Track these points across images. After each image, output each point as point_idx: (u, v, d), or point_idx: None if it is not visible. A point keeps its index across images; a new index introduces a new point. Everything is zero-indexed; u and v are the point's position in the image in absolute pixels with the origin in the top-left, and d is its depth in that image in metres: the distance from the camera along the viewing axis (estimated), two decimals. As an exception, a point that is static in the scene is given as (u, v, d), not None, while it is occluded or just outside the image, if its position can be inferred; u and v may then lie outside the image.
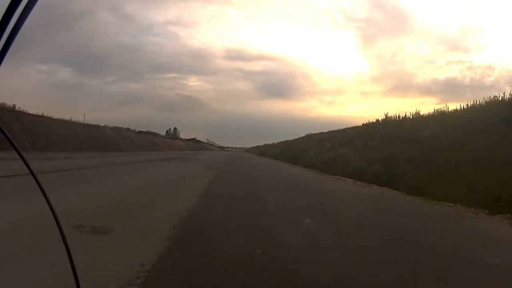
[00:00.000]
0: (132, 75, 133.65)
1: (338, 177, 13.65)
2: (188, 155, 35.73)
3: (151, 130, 68.26)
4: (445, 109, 16.53)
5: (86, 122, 36.39)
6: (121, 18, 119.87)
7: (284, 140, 53.63)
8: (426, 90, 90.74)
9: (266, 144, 69.85)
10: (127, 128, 54.15)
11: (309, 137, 40.79)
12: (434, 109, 17.49)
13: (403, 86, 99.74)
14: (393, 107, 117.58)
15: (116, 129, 40.38)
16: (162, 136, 66.69)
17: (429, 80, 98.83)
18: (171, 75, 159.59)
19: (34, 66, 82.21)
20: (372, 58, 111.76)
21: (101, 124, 45.49)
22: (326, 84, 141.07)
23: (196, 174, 12.63)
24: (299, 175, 15.20)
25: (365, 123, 23.76)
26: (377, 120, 21.58)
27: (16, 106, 26.95)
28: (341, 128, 29.38)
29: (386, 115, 20.59)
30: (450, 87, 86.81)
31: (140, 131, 60.48)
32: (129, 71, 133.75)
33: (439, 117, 15.98)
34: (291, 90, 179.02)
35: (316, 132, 41.16)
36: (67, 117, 33.70)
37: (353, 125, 26.64)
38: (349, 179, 12.43)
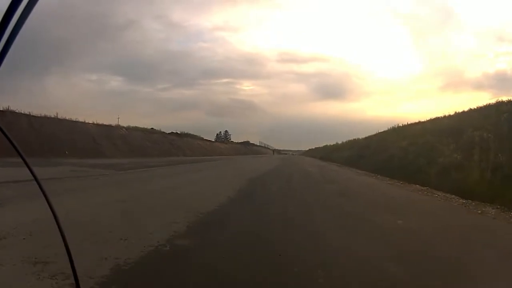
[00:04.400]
0: (184, 81, 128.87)
1: None
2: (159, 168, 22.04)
3: (200, 135, 60.22)
4: None
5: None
6: (168, 25, 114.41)
7: (351, 139, 38.56)
8: (478, 85, 74.68)
9: (326, 145, 55.11)
10: (145, 127, 43.57)
11: (397, 131, 24.02)
12: None
13: (455, 82, 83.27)
14: (450, 104, 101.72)
15: (106, 127, 28.78)
16: (193, 137, 54.99)
17: (480, 75, 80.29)
18: (225, 80, 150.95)
19: (83, 75, 77.79)
20: (423, 54, 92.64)
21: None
22: (380, 84, 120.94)
23: None
24: None
25: None
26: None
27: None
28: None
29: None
30: (500, 81, 66.85)
31: (172, 132, 50.87)
32: (181, 77, 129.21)
33: None
34: (345, 91, 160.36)
35: (411, 123, 24.37)
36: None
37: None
38: None
